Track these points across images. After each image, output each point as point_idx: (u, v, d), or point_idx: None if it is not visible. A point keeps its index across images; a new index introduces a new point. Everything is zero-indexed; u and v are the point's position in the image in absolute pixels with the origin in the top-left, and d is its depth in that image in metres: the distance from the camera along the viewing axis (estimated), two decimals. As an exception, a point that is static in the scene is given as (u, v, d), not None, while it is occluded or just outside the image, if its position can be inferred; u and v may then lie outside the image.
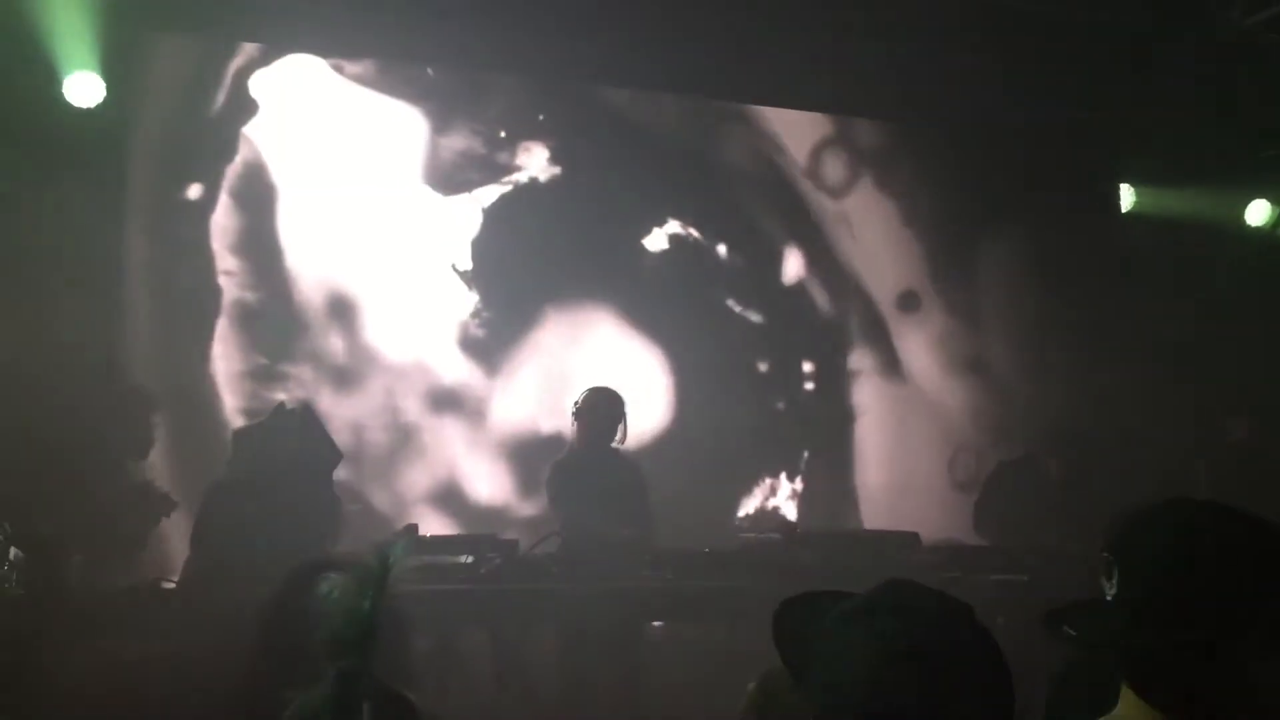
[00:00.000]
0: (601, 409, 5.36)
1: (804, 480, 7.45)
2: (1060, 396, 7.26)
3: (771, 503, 7.37)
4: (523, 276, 6.81)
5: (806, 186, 7.59)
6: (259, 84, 6.39)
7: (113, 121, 5.70)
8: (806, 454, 7.51)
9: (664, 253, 7.28)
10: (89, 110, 5.59)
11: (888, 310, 7.67)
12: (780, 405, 7.50)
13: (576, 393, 5.54)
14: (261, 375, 6.32)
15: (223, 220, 6.34)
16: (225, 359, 6.29)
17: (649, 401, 6.93)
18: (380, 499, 6.43)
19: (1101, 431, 6.58)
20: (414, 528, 5.03)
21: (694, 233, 7.35)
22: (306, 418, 4.96)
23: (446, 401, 6.69)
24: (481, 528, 5.98)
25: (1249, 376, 6.91)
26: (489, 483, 6.71)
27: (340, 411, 6.27)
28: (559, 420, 5.59)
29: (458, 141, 6.86)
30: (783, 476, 7.43)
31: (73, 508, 4.62)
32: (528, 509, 6.41)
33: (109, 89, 5.60)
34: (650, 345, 7.08)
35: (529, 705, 4.98)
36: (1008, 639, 1.50)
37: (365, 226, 6.53)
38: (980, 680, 1.39)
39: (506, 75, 6.87)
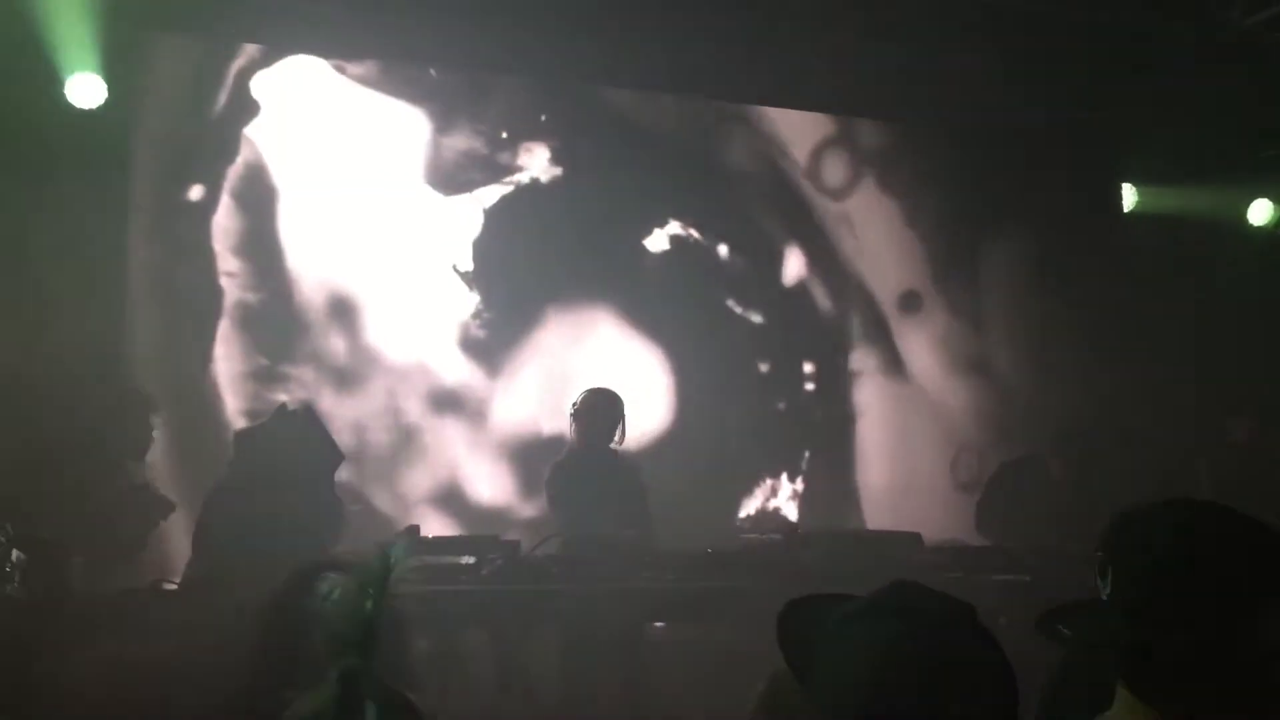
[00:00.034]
0: (600, 410, 5.35)
1: (806, 481, 7.45)
2: (1062, 396, 7.26)
3: (773, 503, 7.37)
4: (524, 277, 6.82)
5: (808, 187, 7.59)
6: (260, 85, 6.39)
7: (114, 123, 5.70)
8: (808, 454, 7.50)
9: (665, 253, 7.28)
10: (90, 111, 5.59)
11: (889, 310, 7.67)
12: (782, 406, 7.49)
13: (578, 393, 5.53)
14: (263, 376, 6.33)
15: (224, 221, 6.34)
16: (227, 360, 6.29)
17: (650, 402, 6.93)
18: (382, 500, 6.43)
19: (1104, 431, 6.57)
20: (416, 529, 5.03)
21: (695, 233, 7.35)
22: (308, 419, 4.96)
23: (448, 402, 6.69)
24: (483, 529, 5.99)
25: (1251, 376, 6.91)
26: (490, 484, 6.71)
27: (342, 412, 6.27)
28: (560, 421, 5.59)
29: (459, 142, 6.86)
30: (784, 477, 7.43)
31: (73, 509, 4.62)
32: (529, 510, 6.41)
33: (110, 90, 5.60)
34: (652, 346, 7.08)
35: (531, 706, 4.98)
36: (1010, 639, 1.50)
37: (366, 227, 6.53)
38: (983, 681, 1.39)
39: (508, 76, 6.88)
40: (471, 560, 4.75)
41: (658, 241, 7.27)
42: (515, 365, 6.83)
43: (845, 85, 6.87)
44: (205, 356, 6.23)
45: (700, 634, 5.37)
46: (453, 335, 6.75)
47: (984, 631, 1.43)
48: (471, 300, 6.80)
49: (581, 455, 5.36)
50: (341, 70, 6.58)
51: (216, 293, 6.30)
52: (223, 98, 6.32)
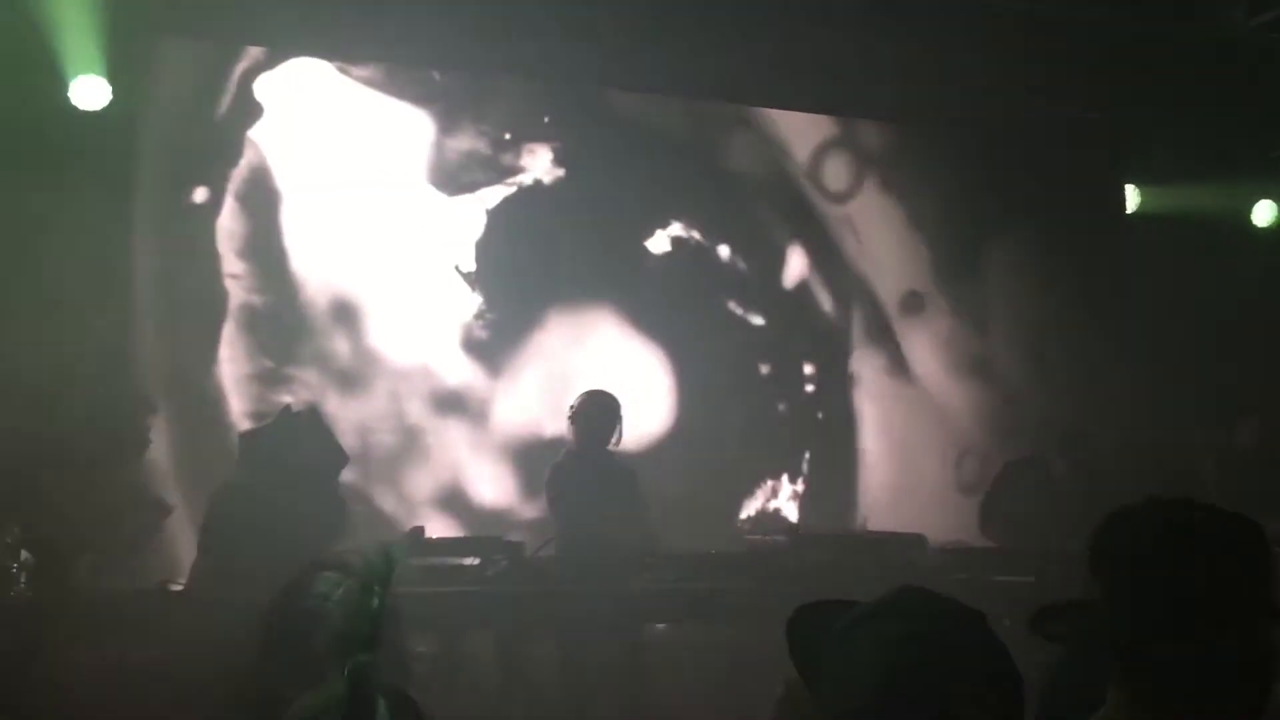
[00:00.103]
0: (597, 412, 5.36)
1: (809, 482, 7.45)
2: (1066, 397, 7.25)
3: (776, 505, 7.37)
4: (527, 278, 6.82)
5: (810, 188, 7.59)
6: (264, 87, 6.40)
7: (118, 125, 5.71)
8: (810, 456, 7.50)
9: (667, 255, 7.29)
10: (95, 114, 5.60)
11: (892, 311, 7.66)
12: (785, 407, 7.49)
13: (576, 395, 5.54)
14: (267, 378, 6.33)
15: (228, 224, 6.35)
16: (231, 362, 6.30)
17: (653, 403, 6.94)
18: (386, 501, 6.44)
19: (1108, 433, 6.57)
20: (420, 530, 5.04)
21: (697, 235, 7.35)
22: (312, 420, 4.98)
23: (451, 404, 6.69)
24: (486, 530, 6.00)
25: (1256, 378, 6.90)
26: (494, 485, 6.71)
27: (346, 414, 6.28)
28: (563, 422, 5.59)
29: (462, 143, 6.87)
30: (787, 478, 7.43)
31: (78, 510, 4.63)
32: (532, 511, 6.41)
33: (115, 92, 5.61)
34: (654, 347, 7.08)
35: (533, 706, 4.98)
36: (1014, 641, 1.50)
37: (370, 229, 6.54)
38: (991, 688, 1.40)
39: (511, 77, 6.88)
40: (475, 561, 4.76)
41: (660, 243, 7.28)
42: (518, 366, 6.83)
43: (848, 86, 6.87)
44: (210, 358, 6.24)
45: (702, 635, 5.38)
46: (456, 336, 6.75)
47: (993, 638, 1.44)
48: (474, 301, 6.81)
49: (579, 457, 5.37)
50: (345, 72, 6.59)
51: (221, 295, 6.30)
52: (227, 100, 6.33)
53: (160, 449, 5.53)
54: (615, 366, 6.68)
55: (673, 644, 5.45)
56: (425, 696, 1.90)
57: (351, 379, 6.49)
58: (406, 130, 6.72)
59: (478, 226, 6.87)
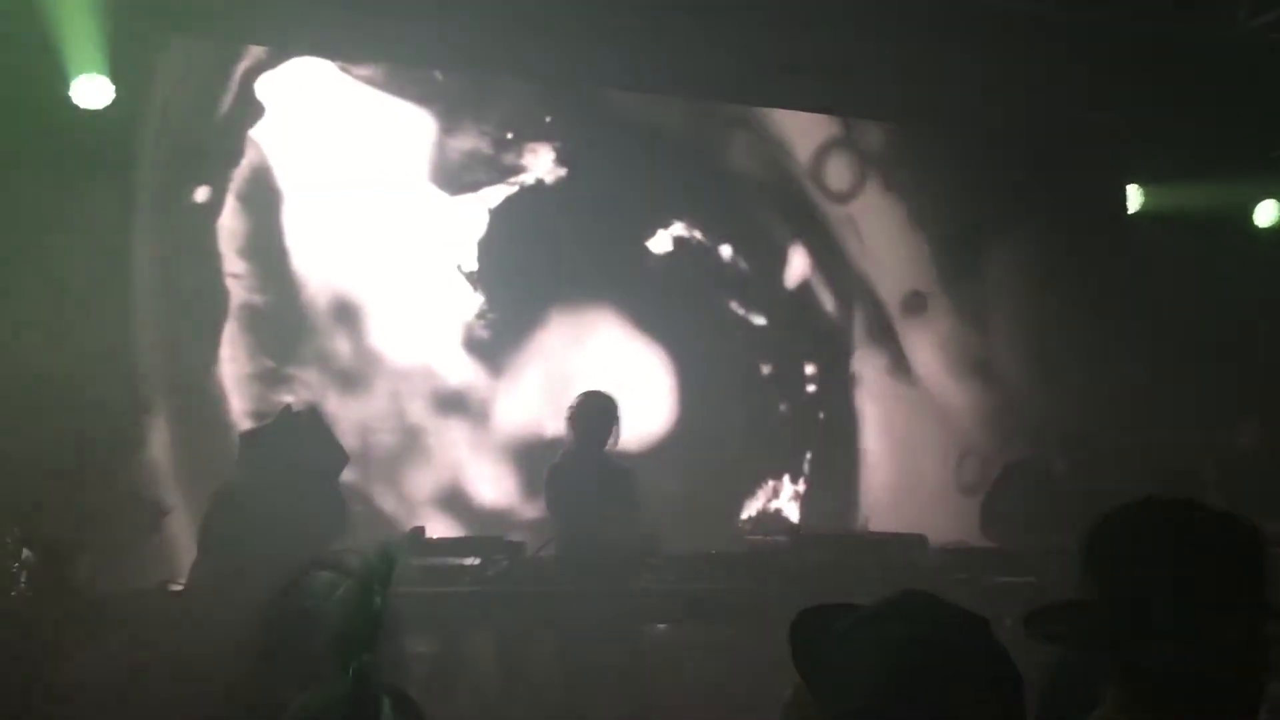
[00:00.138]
0: (595, 413, 5.35)
1: (810, 483, 7.45)
2: (1067, 398, 7.25)
3: (778, 505, 7.37)
4: (528, 278, 6.82)
5: (812, 189, 7.59)
6: (266, 86, 6.40)
7: (120, 124, 5.71)
8: (811, 456, 7.50)
9: (669, 255, 7.29)
10: (97, 112, 5.60)
11: (894, 312, 7.66)
12: (787, 408, 7.49)
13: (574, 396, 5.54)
14: (268, 378, 6.33)
15: (230, 223, 6.35)
16: (232, 361, 6.30)
17: (654, 403, 6.94)
18: (386, 501, 6.44)
19: (1109, 433, 6.56)
20: (421, 530, 5.04)
21: (699, 235, 7.35)
22: (313, 420, 4.97)
23: (452, 404, 6.69)
24: (487, 530, 5.99)
25: (1257, 378, 6.89)
26: (494, 485, 6.71)
27: (347, 414, 6.28)
28: (564, 422, 5.59)
29: (464, 143, 6.87)
30: (789, 479, 7.43)
31: (76, 511, 4.63)
32: (533, 511, 6.41)
33: (117, 91, 5.61)
34: (655, 347, 7.08)
35: (534, 706, 4.98)
36: (1015, 642, 1.50)
37: (371, 229, 6.54)
38: (992, 693, 1.39)
39: (513, 77, 6.88)
40: (476, 562, 4.76)
41: (661, 243, 7.28)
42: (519, 366, 6.83)
43: (850, 87, 6.86)
44: (210, 358, 6.24)
45: (703, 636, 5.38)
46: (457, 336, 6.75)
47: (996, 644, 1.43)
48: (475, 301, 6.81)
49: (577, 458, 5.36)
50: (347, 72, 6.59)
51: (222, 294, 6.30)
52: (229, 99, 6.33)
53: (160, 449, 5.53)
54: (616, 366, 6.68)
55: (673, 644, 5.45)
56: (425, 697, 1.90)
57: (352, 379, 6.49)
58: (408, 130, 6.72)
59: (479, 226, 6.87)
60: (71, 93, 5.56)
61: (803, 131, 7.53)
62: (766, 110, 7.41)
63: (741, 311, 7.42)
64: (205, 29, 6.10)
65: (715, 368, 7.12)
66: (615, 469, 5.39)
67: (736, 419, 7.10)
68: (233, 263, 6.35)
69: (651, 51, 6.46)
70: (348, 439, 5.49)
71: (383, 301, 6.56)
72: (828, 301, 7.62)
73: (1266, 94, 6.79)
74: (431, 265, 6.74)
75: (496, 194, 6.93)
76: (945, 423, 7.59)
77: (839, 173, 7.59)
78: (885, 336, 7.65)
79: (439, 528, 6.05)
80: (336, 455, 4.89)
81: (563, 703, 4.97)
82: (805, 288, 7.60)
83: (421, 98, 6.73)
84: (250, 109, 6.36)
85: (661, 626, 5.47)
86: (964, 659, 1.40)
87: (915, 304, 7.67)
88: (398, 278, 6.60)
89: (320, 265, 6.47)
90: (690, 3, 6.14)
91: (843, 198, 7.61)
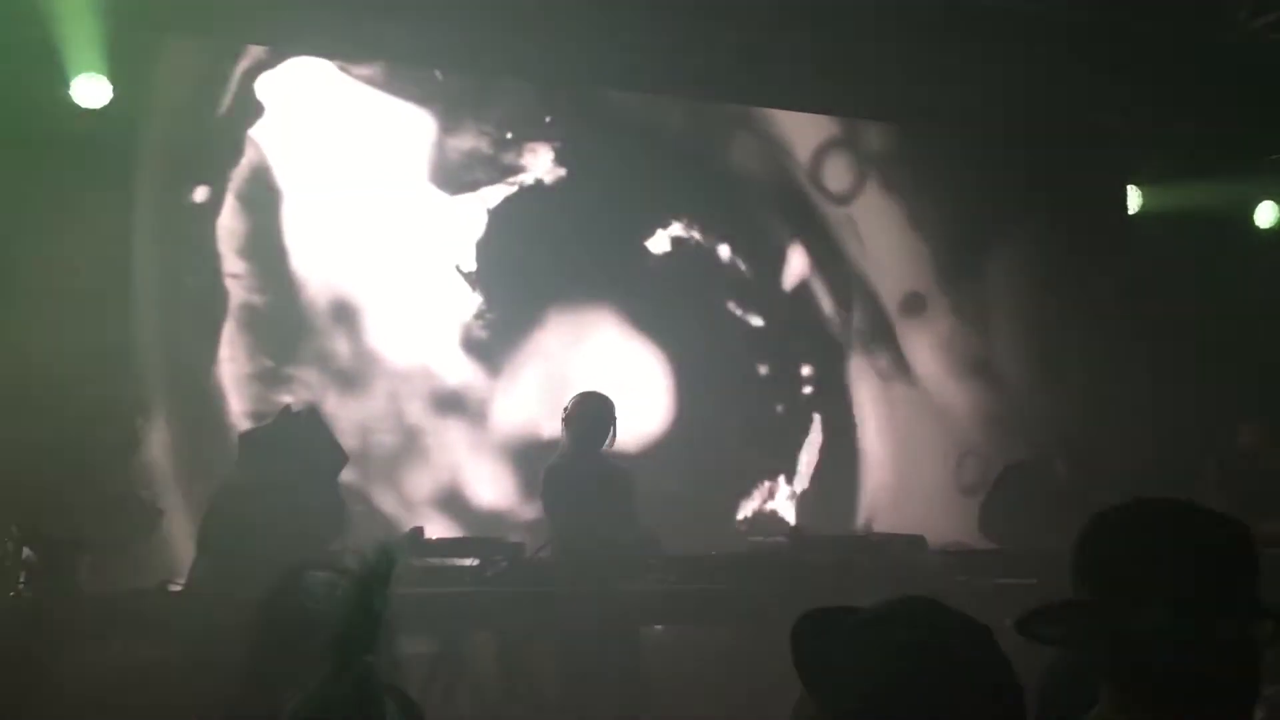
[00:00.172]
0: (590, 414, 5.33)
1: (810, 483, 7.44)
2: (1067, 399, 7.25)
3: (777, 506, 7.36)
4: (527, 278, 6.82)
5: (811, 189, 7.59)
6: (265, 86, 6.40)
7: (119, 124, 5.71)
8: (813, 457, 7.50)
9: (668, 255, 7.28)
10: (96, 112, 5.60)
11: (894, 312, 7.66)
12: (786, 408, 7.49)
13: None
14: (267, 378, 6.33)
15: (229, 223, 6.34)
16: (231, 361, 6.29)
17: (652, 404, 6.94)
18: (386, 501, 6.43)
19: (1109, 434, 6.56)
20: (420, 530, 5.03)
21: (698, 235, 7.35)
22: (312, 420, 4.97)
23: (451, 404, 6.69)
24: (486, 530, 5.99)
25: (1258, 379, 6.89)
26: (494, 485, 6.71)
27: (346, 414, 6.27)
28: (559, 424, 5.58)
29: (463, 143, 6.87)
30: (788, 480, 7.42)
31: (75, 510, 4.63)
32: (532, 512, 6.40)
33: (116, 91, 5.61)
34: (654, 347, 7.08)
35: (533, 708, 4.98)
36: (1015, 644, 1.50)
37: (371, 229, 6.54)
38: (993, 700, 1.39)
39: (512, 77, 6.88)
40: (475, 562, 4.75)
41: (660, 243, 7.27)
42: (518, 366, 6.83)
43: (850, 88, 6.86)
44: (210, 358, 6.24)
45: (703, 636, 5.37)
46: (456, 336, 6.75)
47: (998, 651, 1.43)
48: (474, 301, 6.81)
49: (573, 459, 5.35)
50: (346, 72, 6.59)
51: (221, 294, 6.30)
52: (228, 99, 6.33)
53: (160, 449, 5.52)
54: (615, 366, 6.67)
55: (673, 645, 5.44)
56: (425, 697, 1.90)
57: (351, 379, 6.49)
58: (407, 129, 6.71)
59: (478, 226, 6.86)
60: (71, 92, 5.56)
61: (802, 131, 7.53)
62: (766, 110, 7.41)
63: (740, 312, 7.41)
64: (205, 29, 6.10)
65: (714, 368, 7.12)
66: (612, 470, 5.38)
67: (735, 419, 7.10)
68: (232, 262, 6.35)
69: (651, 51, 6.46)
70: (347, 439, 5.48)
71: (382, 301, 6.55)
72: (827, 302, 7.62)
73: (1266, 94, 6.80)
74: (431, 265, 6.73)
75: (496, 194, 6.93)
76: (945, 423, 7.59)
77: (838, 173, 7.59)
78: (885, 337, 7.64)
79: (438, 528, 6.04)
80: (336, 455, 4.89)
81: (562, 703, 4.97)
82: (804, 288, 7.59)
83: (421, 98, 6.73)
84: (250, 109, 6.36)
85: (660, 628, 5.47)
86: (964, 666, 1.40)
87: (915, 304, 7.66)
88: (397, 278, 6.59)
89: (320, 265, 6.47)
90: (690, 3, 6.14)
91: (842, 198, 7.61)
